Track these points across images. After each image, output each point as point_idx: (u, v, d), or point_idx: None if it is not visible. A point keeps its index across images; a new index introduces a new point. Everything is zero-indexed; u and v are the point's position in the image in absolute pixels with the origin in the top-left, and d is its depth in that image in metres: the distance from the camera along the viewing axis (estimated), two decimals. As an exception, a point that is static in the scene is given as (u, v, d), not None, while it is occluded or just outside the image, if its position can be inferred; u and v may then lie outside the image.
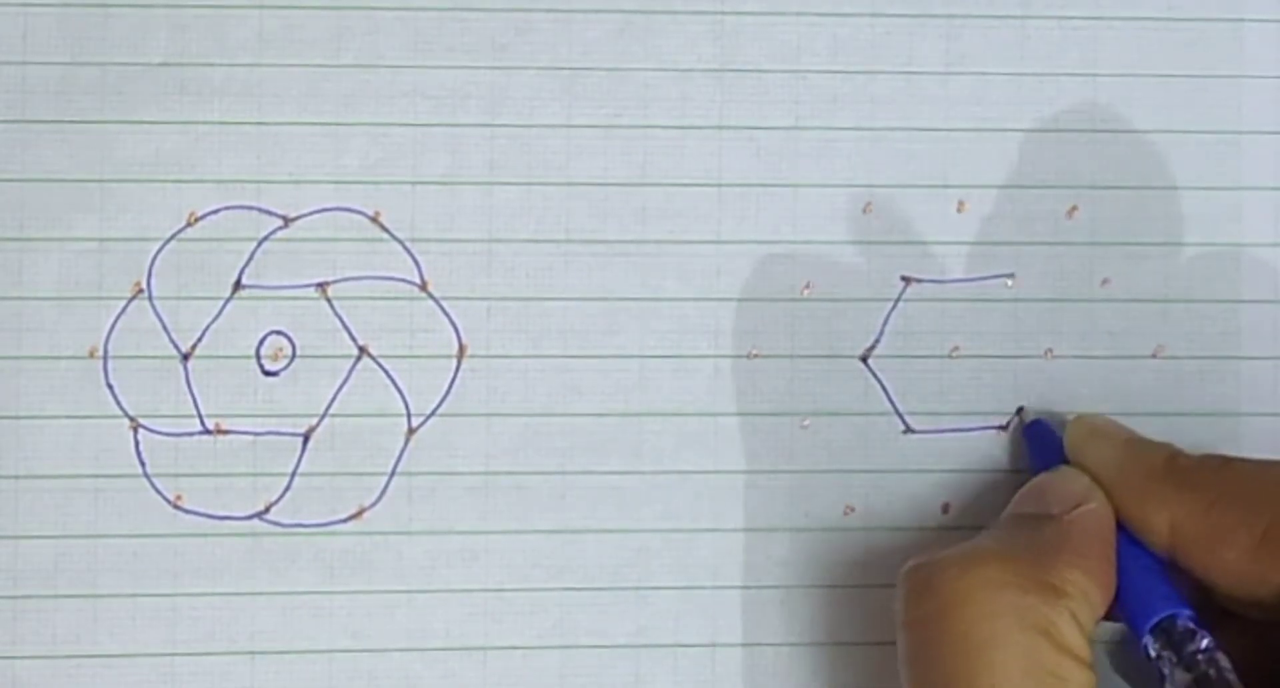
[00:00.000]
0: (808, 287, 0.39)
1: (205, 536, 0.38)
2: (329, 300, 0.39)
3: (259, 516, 0.38)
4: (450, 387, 0.39)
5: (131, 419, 0.38)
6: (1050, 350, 0.39)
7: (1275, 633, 0.34)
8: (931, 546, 0.35)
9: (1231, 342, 0.40)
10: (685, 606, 0.39)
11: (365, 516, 0.38)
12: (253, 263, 0.39)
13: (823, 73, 0.40)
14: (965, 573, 0.33)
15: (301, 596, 0.38)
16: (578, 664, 0.39)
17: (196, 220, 0.39)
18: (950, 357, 0.39)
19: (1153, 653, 0.33)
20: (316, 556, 0.38)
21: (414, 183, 0.39)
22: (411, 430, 0.39)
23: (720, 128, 0.39)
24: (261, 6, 0.39)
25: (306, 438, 0.38)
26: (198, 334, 0.38)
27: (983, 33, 0.40)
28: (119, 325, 0.38)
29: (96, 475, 0.38)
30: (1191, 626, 0.33)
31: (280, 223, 0.39)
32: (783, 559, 0.39)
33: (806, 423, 0.39)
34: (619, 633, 0.39)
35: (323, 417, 0.38)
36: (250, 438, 0.38)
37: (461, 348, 0.39)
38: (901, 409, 0.39)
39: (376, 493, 0.38)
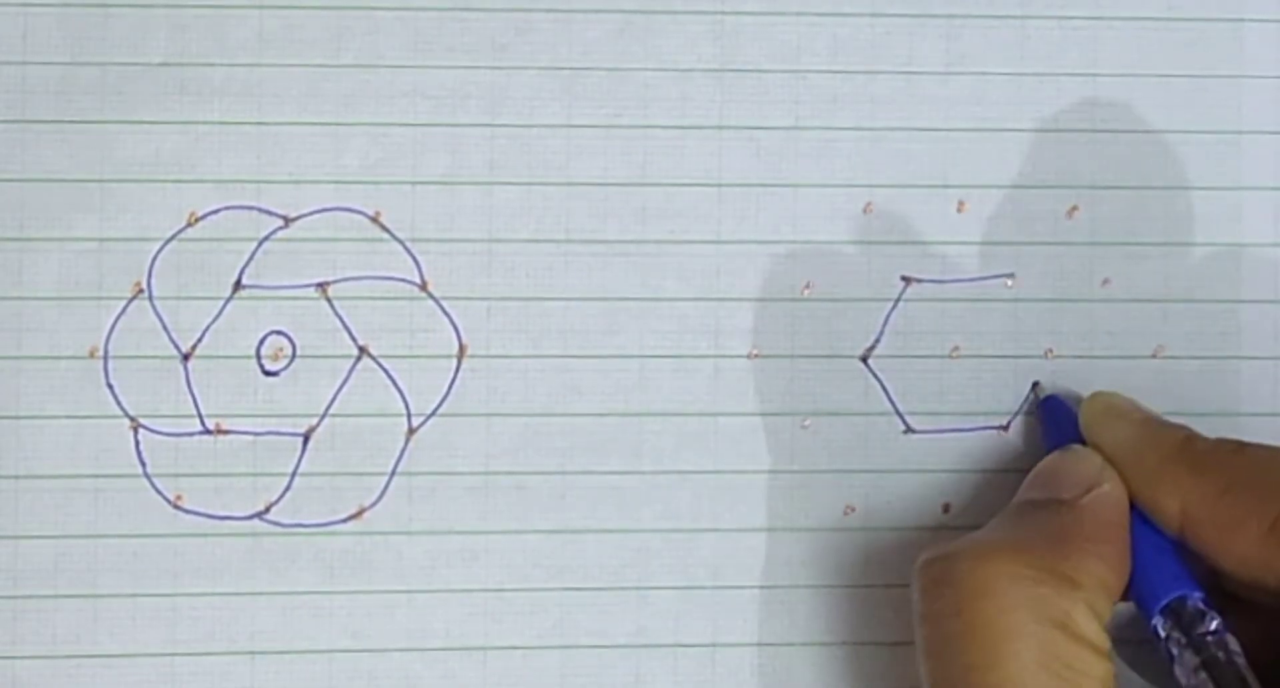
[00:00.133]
0: (808, 287, 0.39)
1: (205, 536, 0.38)
2: (329, 300, 0.39)
3: (259, 516, 0.38)
4: (450, 387, 0.39)
5: (132, 419, 0.38)
6: (1050, 350, 0.39)
7: None
8: (939, 542, 0.35)
9: (1231, 342, 0.40)
10: (685, 606, 0.39)
11: (365, 516, 0.38)
12: (253, 263, 0.39)
13: (823, 73, 0.40)
14: (980, 566, 0.33)
15: (301, 596, 0.38)
16: (578, 664, 0.39)
17: (197, 220, 0.39)
18: (950, 357, 0.39)
19: (1162, 633, 0.33)
20: (316, 556, 0.38)
21: (414, 183, 0.39)
22: (411, 430, 0.39)
23: (720, 128, 0.39)
24: (261, 6, 0.39)
25: (307, 438, 0.38)
26: (198, 334, 0.38)
27: (983, 33, 0.40)
28: (119, 325, 0.38)
29: (96, 475, 0.38)
30: (1202, 607, 0.33)
31: (280, 223, 0.39)
32: (783, 559, 0.39)
33: (807, 423, 0.39)
34: (619, 633, 0.39)
35: (323, 417, 0.38)
36: (250, 438, 0.38)
37: (461, 348, 0.39)
38: (902, 409, 0.39)
39: (376, 493, 0.38)
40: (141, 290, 0.38)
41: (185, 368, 0.38)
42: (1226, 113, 0.40)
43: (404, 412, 0.39)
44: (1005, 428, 0.39)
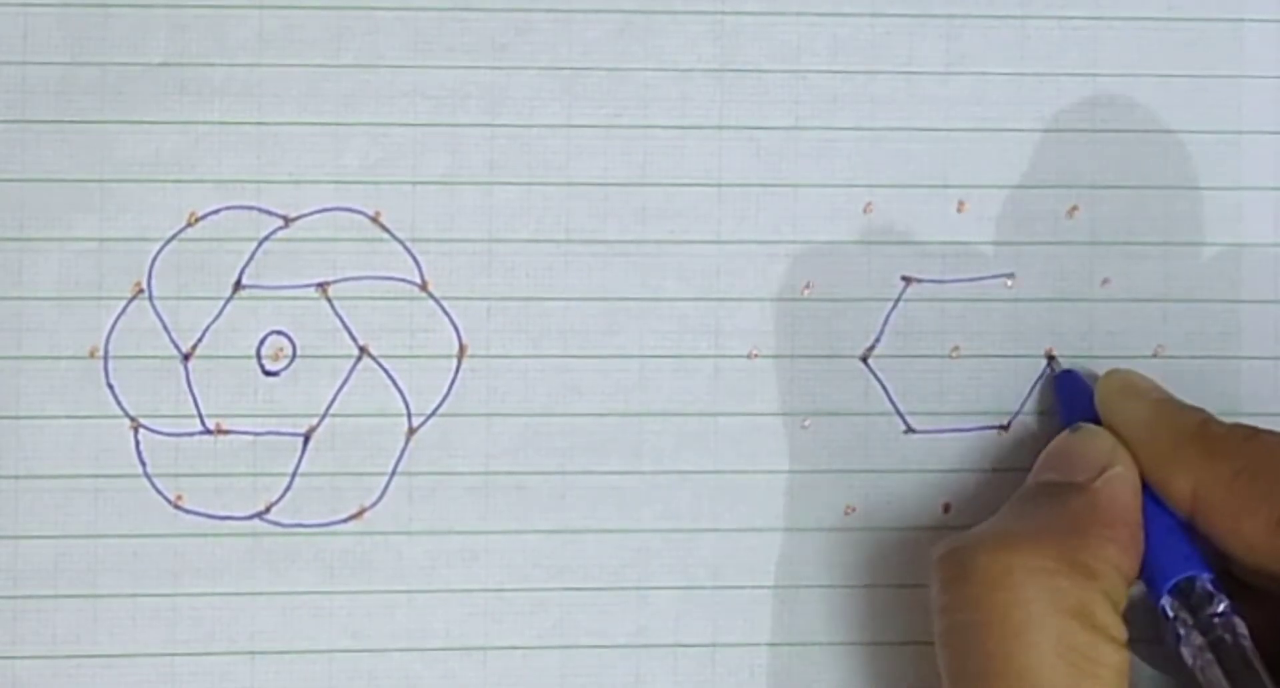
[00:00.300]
0: (808, 287, 0.39)
1: (205, 536, 0.38)
2: (329, 300, 0.39)
3: (259, 515, 0.38)
4: (450, 387, 0.39)
5: (132, 419, 0.38)
6: (1051, 350, 0.39)
7: None
8: (954, 534, 0.35)
9: (1231, 342, 0.40)
10: (685, 606, 0.39)
11: (365, 516, 0.38)
12: (253, 263, 0.39)
13: (823, 73, 0.40)
14: (999, 558, 0.33)
15: (301, 596, 0.38)
16: (578, 665, 0.39)
17: (197, 220, 0.39)
18: (950, 357, 0.39)
19: (1170, 613, 0.33)
20: (316, 556, 0.38)
21: (414, 183, 0.39)
22: (412, 430, 0.39)
23: (720, 128, 0.39)
24: (261, 6, 0.39)
25: (307, 438, 0.38)
26: (198, 334, 0.38)
27: (983, 33, 0.40)
28: (119, 325, 0.38)
29: (96, 475, 0.38)
30: (1210, 588, 0.33)
31: (280, 223, 0.39)
32: (783, 559, 0.39)
33: (807, 423, 0.39)
34: (619, 633, 0.39)
35: (323, 417, 0.38)
36: (250, 438, 0.38)
37: (462, 348, 0.39)
38: (902, 409, 0.39)
39: (377, 493, 0.38)
40: (141, 290, 0.38)
41: (185, 368, 0.38)
42: (1226, 113, 0.40)
43: (404, 412, 0.39)
44: (1005, 428, 0.39)
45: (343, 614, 0.38)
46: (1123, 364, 0.39)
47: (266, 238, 0.39)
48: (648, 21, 0.39)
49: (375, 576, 0.38)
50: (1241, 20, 0.40)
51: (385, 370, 0.39)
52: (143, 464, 0.38)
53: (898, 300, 0.39)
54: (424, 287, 0.39)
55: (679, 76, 0.39)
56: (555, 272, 0.39)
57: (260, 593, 0.38)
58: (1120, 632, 0.33)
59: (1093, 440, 0.36)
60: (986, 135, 0.40)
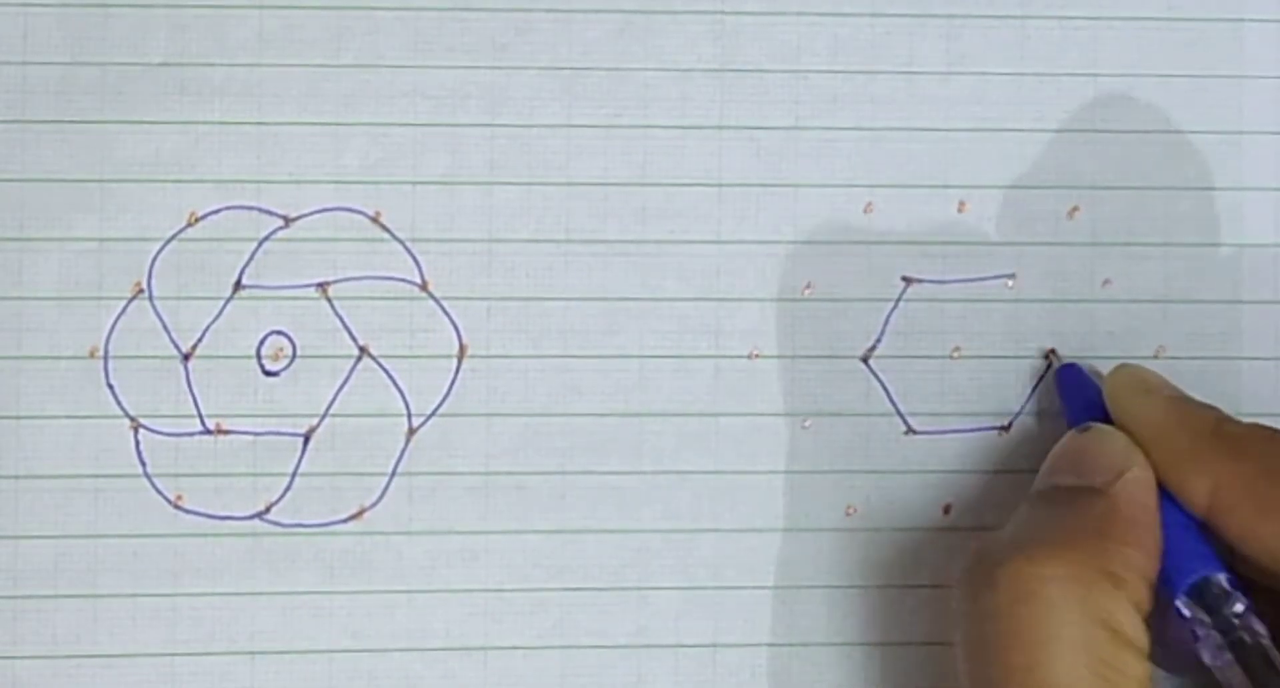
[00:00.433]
0: (808, 287, 0.39)
1: (205, 536, 0.38)
2: (329, 300, 0.39)
3: (259, 516, 0.38)
4: (450, 387, 0.39)
5: (132, 419, 0.38)
6: (1051, 350, 0.39)
7: None
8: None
9: (1231, 342, 0.40)
10: (686, 606, 0.39)
11: (365, 516, 0.38)
12: (253, 263, 0.39)
13: (823, 73, 0.40)
14: (1023, 568, 0.32)
15: (301, 596, 0.38)
16: (578, 665, 0.39)
17: (197, 220, 0.39)
18: (951, 357, 0.39)
19: (1187, 613, 0.33)
20: (316, 556, 0.38)
21: (414, 183, 0.39)
22: (412, 430, 0.39)
23: (720, 128, 0.39)
24: (261, 6, 0.39)
25: (307, 438, 0.38)
26: (198, 334, 0.38)
27: (983, 33, 0.40)
28: (119, 325, 0.38)
29: (96, 475, 0.38)
30: (1228, 588, 0.33)
31: (280, 223, 0.39)
32: (784, 560, 0.39)
33: (807, 423, 0.39)
34: (619, 633, 0.39)
35: (323, 417, 0.38)
36: (250, 438, 0.38)
37: (462, 348, 0.39)
38: (903, 410, 0.39)
39: (377, 493, 0.38)
40: (141, 290, 0.38)
41: (185, 368, 0.38)
42: (1226, 113, 0.40)
43: (404, 412, 0.39)
44: (1006, 428, 0.39)
45: (343, 614, 0.38)
46: (1123, 364, 0.39)
47: (266, 238, 0.39)
48: (648, 21, 0.39)
49: (375, 576, 0.38)
50: (1241, 20, 0.40)
51: (385, 370, 0.39)
52: (143, 464, 0.38)
53: (898, 301, 0.39)
54: (424, 287, 0.39)
55: (679, 76, 0.39)
56: (555, 272, 0.39)
57: (260, 593, 0.38)
58: (1144, 641, 0.32)
59: (1107, 442, 0.35)
60: (987, 135, 0.40)
